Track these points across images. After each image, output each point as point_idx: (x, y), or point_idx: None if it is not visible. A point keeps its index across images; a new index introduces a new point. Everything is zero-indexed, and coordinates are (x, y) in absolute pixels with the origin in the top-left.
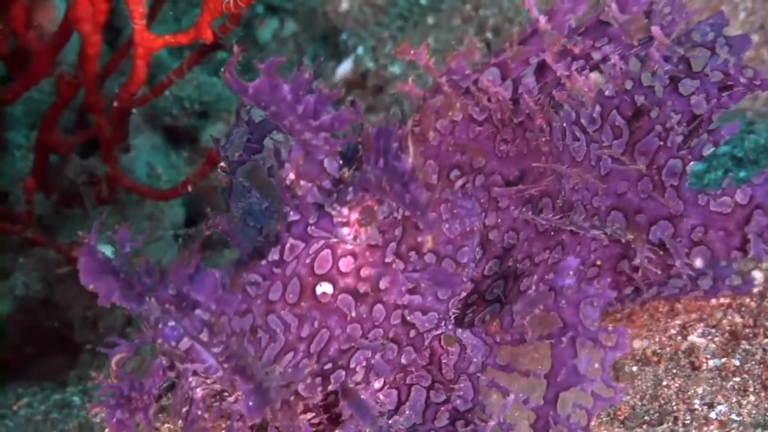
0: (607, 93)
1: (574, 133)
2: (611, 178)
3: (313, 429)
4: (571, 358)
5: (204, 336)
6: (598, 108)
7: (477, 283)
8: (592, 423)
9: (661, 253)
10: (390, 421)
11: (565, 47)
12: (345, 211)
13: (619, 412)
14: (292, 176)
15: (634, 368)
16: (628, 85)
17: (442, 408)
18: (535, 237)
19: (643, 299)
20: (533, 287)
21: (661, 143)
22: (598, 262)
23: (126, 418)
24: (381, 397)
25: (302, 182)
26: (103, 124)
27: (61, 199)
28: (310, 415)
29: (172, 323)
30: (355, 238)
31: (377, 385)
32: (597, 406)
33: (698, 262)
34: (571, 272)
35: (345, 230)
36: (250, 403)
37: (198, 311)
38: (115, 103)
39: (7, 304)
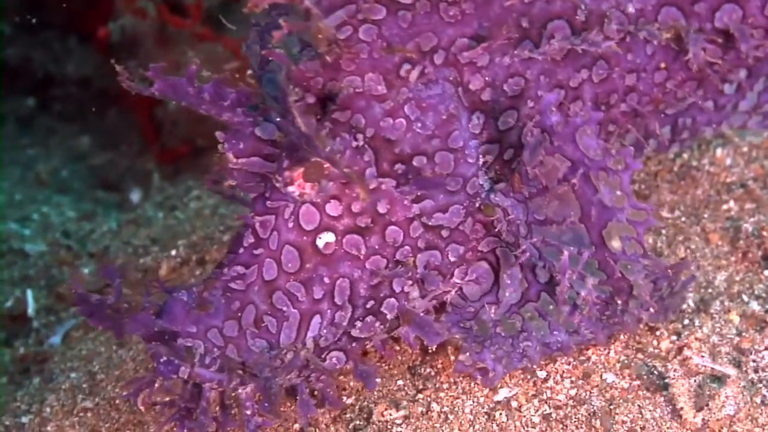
0: None
1: None
2: None
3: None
4: (594, 194)
5: (194, 364)
6: None
7: (499, 141)
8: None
9: (721, 41)
10: (488, 307)
11: None
12: (286, 174)
13: None
14: (232, 158)
15: None
16: None
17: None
18: (554, 66)
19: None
20: (528, 132)
21: None
22: (663, 65)
23: (193, 426)
24: (464, 286)
25: (243, 159)
26: None
27: None
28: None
29: (163, 358)
30: (301, 195)
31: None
32: (640, 233)
33: None
34: (554, 108)
35: (290, 189)
36: (265, 404)
37: (179, 340)
38: None
39: None
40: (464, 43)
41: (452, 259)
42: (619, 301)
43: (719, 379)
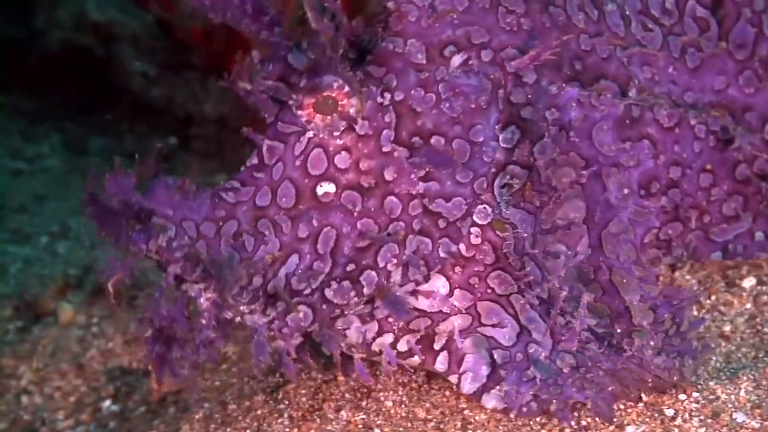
0: None
1: (644, 23)
2: (704, 72)
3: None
4: (602, 193)
5: (162, 240)
6: None
7: (529, 168)
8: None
9: None
10: (532, 346)
11: None
12: (299, 96)
13: None
14: (261, 79)
15: None
16: None
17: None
18: (599, 122)
19: None
20: (546, 133)
21: (757, 30)
22: (709, 166)
23: (165, 351)
24: (496, 335)
25: (269, 83)
26: None
27: None
28: (389, 338)
29: (138, 227)
30: (308, 122)
31: (443, 291)
32: (638, 234)
33: None
34: (574, 103)
35: (299, 113)
36: (217, 306)
37: (154, 219)
38: None
39: None
40: (514, 53)
41: (442, 254)
42: (619, 330)
43: None
